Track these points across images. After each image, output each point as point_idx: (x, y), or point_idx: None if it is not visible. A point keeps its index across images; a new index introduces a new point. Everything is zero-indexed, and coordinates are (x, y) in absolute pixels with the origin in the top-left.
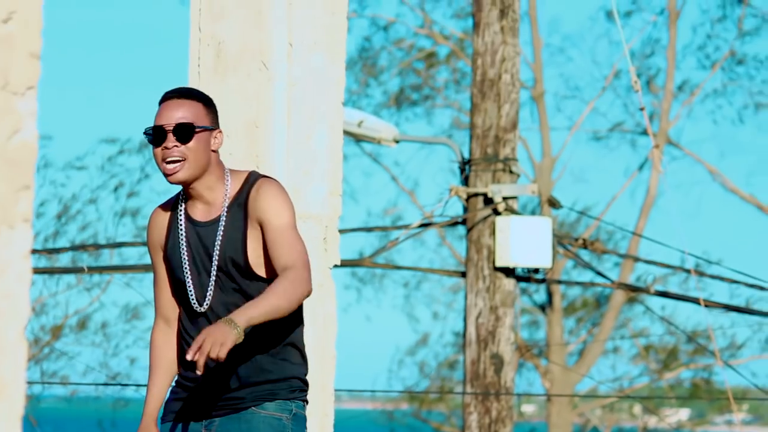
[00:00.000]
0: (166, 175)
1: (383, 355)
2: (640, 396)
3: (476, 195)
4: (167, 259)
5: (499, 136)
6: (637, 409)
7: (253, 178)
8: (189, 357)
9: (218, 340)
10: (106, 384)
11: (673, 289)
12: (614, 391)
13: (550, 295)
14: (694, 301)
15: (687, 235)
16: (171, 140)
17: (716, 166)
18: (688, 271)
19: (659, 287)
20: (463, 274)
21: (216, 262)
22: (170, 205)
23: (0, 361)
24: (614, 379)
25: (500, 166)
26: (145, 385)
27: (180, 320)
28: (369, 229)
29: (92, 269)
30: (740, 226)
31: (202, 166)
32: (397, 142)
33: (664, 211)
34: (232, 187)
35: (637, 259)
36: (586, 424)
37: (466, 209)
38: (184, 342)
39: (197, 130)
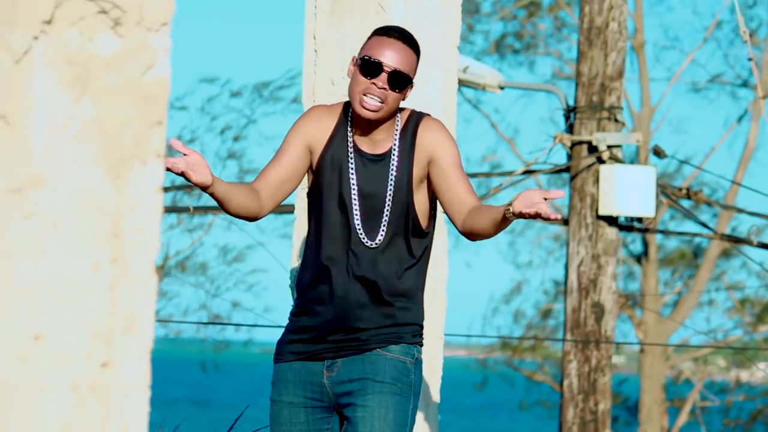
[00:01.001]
0: (362, 107)
1: (480, 303)
2: (734, 347)
3: (580, 143)
4: (321, 171)
5: (605, 85)
6: (728, 362)
7: (418, 114)
8: (557, 194)
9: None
10: (207, 323)
11: None
12: (708, 342)
13: (646, 245)
14: None
15: None
16: (382, 80)
17: None
18: None
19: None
20: (566, 222)
21: (389, 201)
22: (337, 115)
23: (130, 295)
24: (708, 332)
25: (605, 114)
26: (246, 325)
27: (316, 243)
28: (472, 175)
29: (197, 209)
30: None
31: (393, 112)
32: (501, 88)
33: (762, 163)
34: (401, 123)
35: (740, 210)
36: (678, 376)
37: (570, 157)
38: (314, 274)
39: (409, 85)
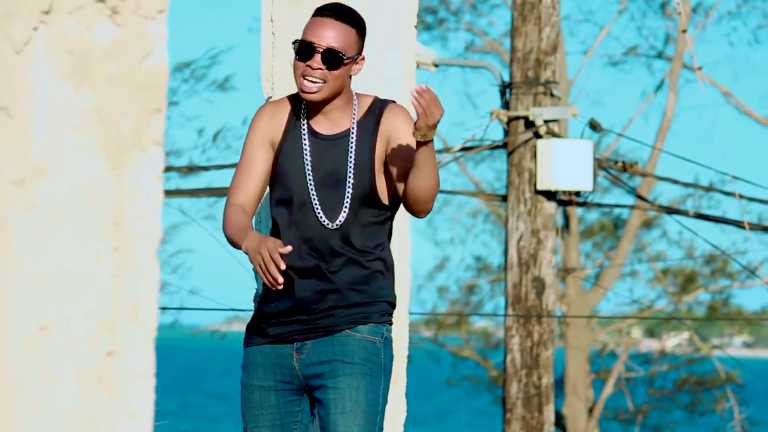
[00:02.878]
0: (302, 91)
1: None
2: (656, 317)
3: (517, 118)
4: (278, 163)
5: (539, 59)
6: (637, 332)
7: (382, 101)
8: (420, 88)
9: (438, 104)
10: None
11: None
12: (631, 313)
13: (566, 218)
14: (736, 224)
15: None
16: (317, 61)
17: (730, 88)
18: (727, 194)
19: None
20: (504, 198)
21: (351, 179)
22: (288, 107)
23: (133, 284)
24: (631, 302)
25: (541, 89)
26: (171, 308)
27: (278, 233)
28: None
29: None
30: (755, 148)
31: (339, 90)
32: (436, 66)
33: (679, 135)
34: (360, 107)
35: (675, 182)
36: (603, 348)
37: (506, 133)
38: (284, 260)
39: (345, 61)
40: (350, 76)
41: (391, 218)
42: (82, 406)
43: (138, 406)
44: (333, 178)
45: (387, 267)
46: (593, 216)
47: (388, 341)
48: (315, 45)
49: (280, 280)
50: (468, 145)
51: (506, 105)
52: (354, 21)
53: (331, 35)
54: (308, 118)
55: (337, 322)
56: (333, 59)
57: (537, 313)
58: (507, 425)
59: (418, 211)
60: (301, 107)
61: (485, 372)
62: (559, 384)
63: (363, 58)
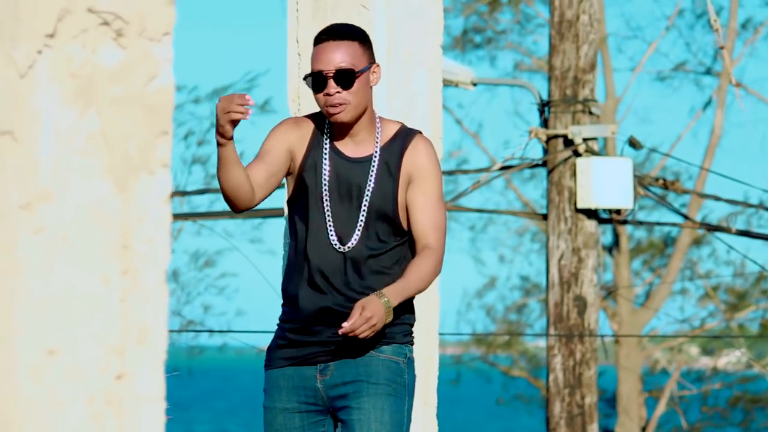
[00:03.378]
0: (330, 115)
1: (452, 299)
2: (709, 336)
3: (556, 137)
4: (299, 179)
5: (577, 77)
6: (692, 350)
7: (408, 130)
8: (341, 332)
9: (375, 325)
10: (180, 331)
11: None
12: (682, 332)
13: (617, 236)
14: None
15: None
16: (332, 86)
17: None
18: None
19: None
20: (545, 217)
21: (367, 203)
22: (312, 124)
23: (142, 306)
24: (683, 320)
25: (579, 107)
26: (219, 331)
27: (294, 252)
28: (449, 173)
29: None
30: None
31: (365, 106)
32: (474, 84)
33: (728, 150)
34: (384, 132)
35: (717, 198)
36: (655, 366)
37: (546, 151)
38: (297, 280)
39: (357, 74)
40: (371, 88)
41: (410, 240)
42: (91, 429)
43: (148, 429)
44: (349, 198)
45: None
46: (642, 234)
47: (410, 361)
48: (324, 72)
49: (247, 97)
50: (508, 164)
51: (545, 123)
52: (353, 35)
53: (336, 57)
54: (332, 139)
55: (361, 343)
56: (345, 78)
57: (579, 333)
58: None
59: None
60: (325, 126)
61: (537, 391)
62: (611, 403)
63: (378, 65)
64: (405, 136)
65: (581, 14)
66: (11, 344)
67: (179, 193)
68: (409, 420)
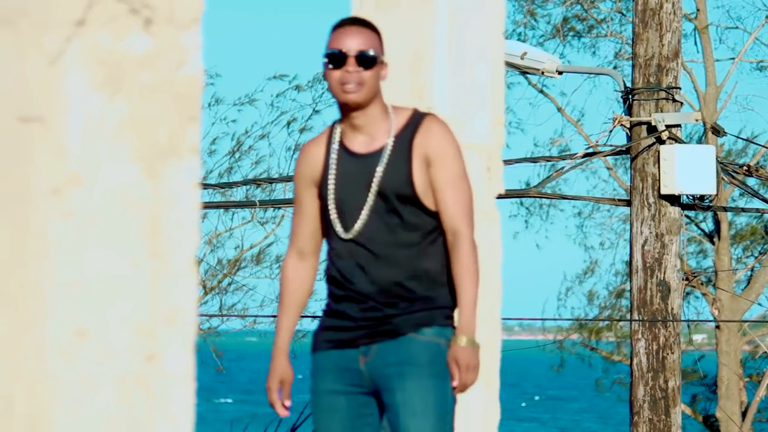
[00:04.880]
0: (343, 94)
1: (553, 285)
2: None
3: (639, 124)
4: (321, 194)
5: (661, 65)
6: None
7: (419, 115)
8: (457, 392)
9: (475, 367)
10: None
11: None
12: None
13: (717, 223)
14: None
15: None
16: (352, 64)
17: None
18: None
19: None
20: (629, 203)
21: (375, 188)
22: (324, 140)
23: (172, 290)
24: None
25: (663, 94)
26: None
27: (331, 250)
28: (533, 160)
29: (264, 203)
30: None
31: (375, 93)
32: (560, 73)
33: None
34: (397, 120)
35: None
36: (755, 351)
37: (629, 138)
38: (335, 271)
39: (378, 60)
40: (379, 82)
41: (435, 223)
42: (121, 410)
43: (178, 409)
44: (359, 187)
45: (438, 273)
46: (744, 220)
47: None
48: (347, 51)
49: (282, 413)
50: (591, 151)
51: (629, 111)
52: (373, 27)
53: (359, 39)
54: (343, 139)
55: (402, 325)
56: (366, 60)
57: (662, 317)
58: (634, 428)
59: None
60: (337, 132)
61: None
62: (712, 387)
63: (387, 65)
64: (417, 119)
65: (665, 2)
66: (42, 326)
67: (284, 179)
68: (454, 400)
